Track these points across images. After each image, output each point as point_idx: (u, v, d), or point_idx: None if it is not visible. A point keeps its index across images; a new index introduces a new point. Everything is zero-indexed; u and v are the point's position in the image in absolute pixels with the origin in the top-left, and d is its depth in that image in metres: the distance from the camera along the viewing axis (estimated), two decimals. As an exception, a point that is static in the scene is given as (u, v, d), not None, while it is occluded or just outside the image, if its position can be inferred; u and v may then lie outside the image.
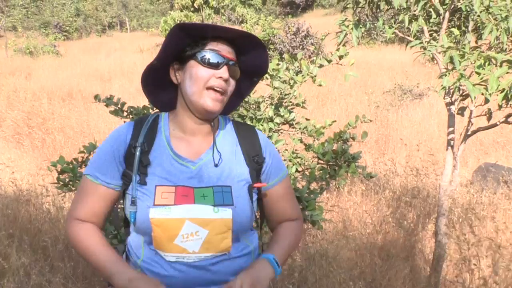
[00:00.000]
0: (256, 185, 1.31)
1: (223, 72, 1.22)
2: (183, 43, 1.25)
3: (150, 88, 1.37)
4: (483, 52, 2.51)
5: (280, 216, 1.43)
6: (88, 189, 1.29)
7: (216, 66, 1.22)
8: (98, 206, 1.29)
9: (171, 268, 1.21)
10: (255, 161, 1.32)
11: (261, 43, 1.28)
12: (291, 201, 1.45)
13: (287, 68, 2.74)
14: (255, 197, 1.34)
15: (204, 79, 1.21)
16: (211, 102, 1.22)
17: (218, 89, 1.22)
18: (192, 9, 22.96)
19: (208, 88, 1.22)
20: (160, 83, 1.34)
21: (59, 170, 2.40)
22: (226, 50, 1.24)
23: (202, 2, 22.78)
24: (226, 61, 1.23)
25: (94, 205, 1.29)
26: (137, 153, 1.24)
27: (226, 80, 1.23)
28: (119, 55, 20.21)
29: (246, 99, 2.75)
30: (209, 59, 1.22)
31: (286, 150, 2.69)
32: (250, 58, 1.31)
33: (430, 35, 3.21)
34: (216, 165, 1.28)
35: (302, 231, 1.48)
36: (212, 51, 1.22)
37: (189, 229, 1.19)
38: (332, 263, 3.42)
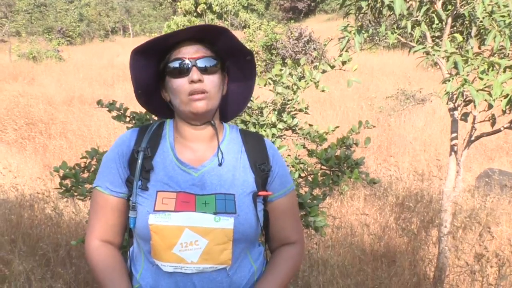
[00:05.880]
0: (261, 193, 1.28)
1: (192, 75, 1.20)
2: (150, 64, 1.24)
3: (150, 107, 1.37)
4: (486, 58, 2.50)
5: (280, 234, 1.37)
6: (100, 202, 1.28)
7: (185, 72, 1.20)
8: (113, 219, 1.28)
9: (168, 282, 1.20)
10: (261, 169, 1.29)
11: (220, 28, 1.23)
12: (294, 219, 1.39)
13: (290, 74, 2.74)
14: (260, 206, 1.29)
15: (181, 89, 1.20)
16: (195, 104, 1.20)
17: (195, 92, 1.20)
18: (195, 14, 23.03)
19: (189, 94, 1.21)
20: (157, 101, 1.34)
21: (61, 175, 2.40)
22: (190, 51, 1.22)
23: (205, 7, 22.84)
24: (193, 63, 1.20)
25: (108, 219, 1.28)
26: (140, 158, 1.24)
27: (198, 81, 1.20)
28: (122, 60, 20.25)
29: (249, 105, 2.75)
30: (175, 69, 1.21)
31: (289, 155, 2.68)
32: (223, 43, 1.27)
33: (433, 40, 3.21)
34: (220, 164, 1.26)
35: (302, 256, 1.42)
36: (175, 60, 1.21)
37: (188, 238, 1.17)
38: (336, 270, 3.40)
